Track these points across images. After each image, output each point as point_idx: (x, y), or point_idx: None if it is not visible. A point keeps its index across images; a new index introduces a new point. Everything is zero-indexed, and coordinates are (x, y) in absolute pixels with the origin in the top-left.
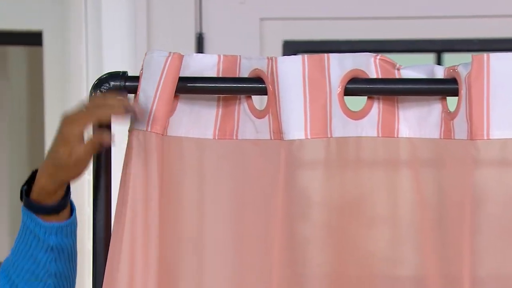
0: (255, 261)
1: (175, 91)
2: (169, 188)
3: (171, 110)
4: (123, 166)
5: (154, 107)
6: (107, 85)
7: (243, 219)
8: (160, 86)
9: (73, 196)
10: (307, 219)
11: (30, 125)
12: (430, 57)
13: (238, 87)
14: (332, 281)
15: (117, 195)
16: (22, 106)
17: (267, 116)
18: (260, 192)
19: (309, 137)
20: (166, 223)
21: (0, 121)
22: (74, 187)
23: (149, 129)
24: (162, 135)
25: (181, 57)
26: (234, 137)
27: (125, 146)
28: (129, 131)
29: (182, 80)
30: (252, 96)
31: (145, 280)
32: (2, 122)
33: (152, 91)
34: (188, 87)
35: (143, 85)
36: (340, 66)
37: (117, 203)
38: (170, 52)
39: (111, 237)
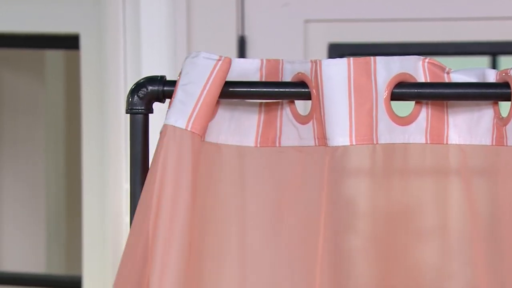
0: (297, 272)
1: None
2: (205, 197)
3: (212, 115)
4: (151, 163)
5: (197, 108)
6: (145, 89)
7: (286, 228)
8: (207, 88)
9: (112, 205)
10: (351, 228)
11: (67, 129)
12: (484, 60)
13: (280, 92)
14: None
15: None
16: (59, 111)
17: (311, 122)
18: (303, 200)
19: (354, 143)
20: (200, 233)
21: (36, 126)
22: (112, 194)
23: (189, 128)
24: (201, 137)
25: (230, 61)
26: (277, 144)
27: None
28: (165, 124)
29: (224, 84)
30: (296, 102)
31: None
32: (39, 127)
33: (197, 91)
34: (230, 91)
35: (184, 81)
36: (387, 69)
37: (138, 205)
38: (221, 56)
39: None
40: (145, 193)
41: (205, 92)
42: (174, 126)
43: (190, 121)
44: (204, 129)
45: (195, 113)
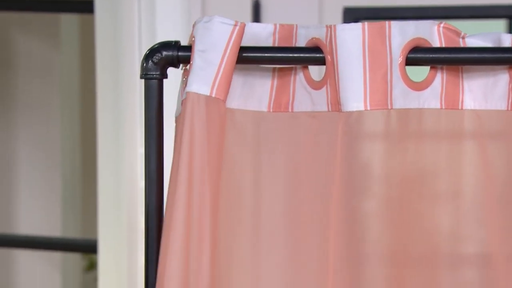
0: (311, 237)
1: None
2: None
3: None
4: (177, 131)
5: (219, 74)
6: (159, 54)
7: (299, 194)
8: (227, 55)
9: (127, 169)
10: (366, 193)
11: (81, 94)
12: (500, 23)
13: (295, 57)
14: (392, 259)
15: (169, 169)
16: (74, 75)
17: (324, 87)
18: (317, 165)
19: (368, 108)
20: (219, 200)
21: (51, 90)
22: (127, 159)
23: (213, 95)
24: (224, 103)
25: (244, 26)
26: (290, 110)
27: (174, 116)
28: (188, 92)
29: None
30: (309, 67)
31: (200, 255)
32: (54, 91)
33: (217, 57)
34: (244, 57)
35: (200, 47)
36: (402, 34)
37: (171, 174)
38: (236, 21)
39: (166, 207)
40: (175, 163)
41: (225, 58)
42: (198, 93)
43: (214, 87)
44: (226, 95)
45: (218, 80)
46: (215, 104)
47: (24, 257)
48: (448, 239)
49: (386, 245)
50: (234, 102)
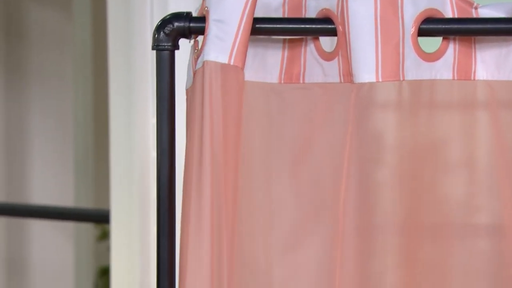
0: (323, 208)
1: None
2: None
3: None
4: (193, 100)
5: (236, 43)
6: (171, 26)
7: (311, 164)
8: (243, 24)
9: (139, 140)
10: (377, 164)
11: (94, 65)
12: None
13: (306, 28)
14: (404, 229)
15: (181, 137)
16: (86, 46)
17: (336, 58)
18: (328, 136)
19: (380, 80)
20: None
21: (64, 61)
22: (139, 129)
23: (231, 63)
24: (243, 71)
25: None
26: (301, 81)
27: (185, 86)
28: (205, 61)
29: None
30: (321, 39)
31: (225, 223)
32: (66, 62)
33: (234, 27)
34: (255, 28)
35: (216, 16)
36: (414, 5)
37: (187, 142)
38: None
39: (185, 174)
40: (193, 132)
41: (241, 27)
42: (216, 62)
43: (231, 56)
44: (244, 63)
45: (235, 48)
46: (234, 72)
47: (37, 226)
48: (460, 210)
49: (396, 215)
50: (245, 73)
